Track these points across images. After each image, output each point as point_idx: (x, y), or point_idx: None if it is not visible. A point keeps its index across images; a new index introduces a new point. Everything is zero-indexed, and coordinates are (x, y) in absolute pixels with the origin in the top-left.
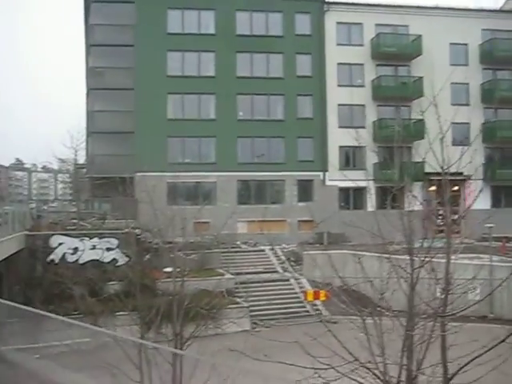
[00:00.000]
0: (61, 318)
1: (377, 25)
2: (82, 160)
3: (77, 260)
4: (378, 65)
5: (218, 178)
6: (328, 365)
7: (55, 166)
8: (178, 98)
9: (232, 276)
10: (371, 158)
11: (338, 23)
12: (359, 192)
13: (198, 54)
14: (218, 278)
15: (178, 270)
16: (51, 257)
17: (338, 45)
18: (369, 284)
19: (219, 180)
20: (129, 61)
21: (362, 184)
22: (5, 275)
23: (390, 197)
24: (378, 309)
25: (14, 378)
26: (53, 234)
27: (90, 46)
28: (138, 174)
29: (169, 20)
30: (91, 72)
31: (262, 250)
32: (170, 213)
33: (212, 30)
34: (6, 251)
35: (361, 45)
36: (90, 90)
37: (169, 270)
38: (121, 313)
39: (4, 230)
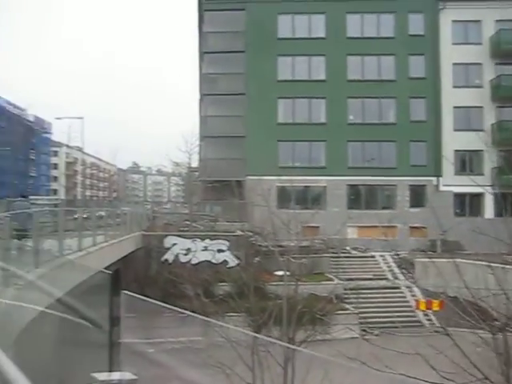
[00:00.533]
0: (193, 314)
1: (497, 21)
2: (195, 163)
3: (189, 260)
4: (497, 63)
5: (327, 182)
6: (452, 381)
7: (169, 169)
8: (288, 102)
9: (341, 281)
10: (489, 163)
11: (454, 21)
12: (476, 198)
13: (308, 58)
14: (328, 283)
15: (289, 273)
16: (165, 256)
17: (454, 44)
18: (491, 297)
19: (329, 184)
20: (240, 67)
21: (478, 190)
22: (123, 273)
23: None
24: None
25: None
26: (167, 235)
27: (203, 53)
28: (249, 177)
29: (279, 25)
30: (204, 78)
31: (372, 256)
32: (280, 216)
33: (322, 34)
34: (125, 250)
35: (479, 43)
36: (203, 96)
37: (280, 273)
38: (232, 314)
39: (123, 230)
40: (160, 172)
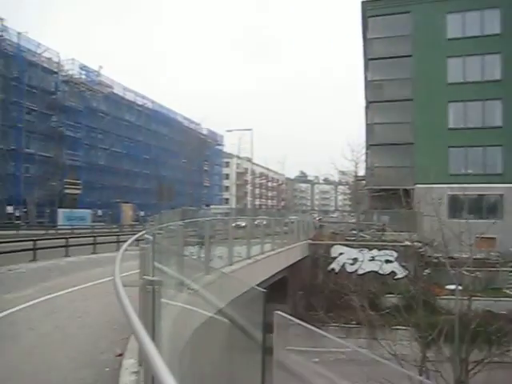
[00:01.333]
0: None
1: None
2: (361, 172)
3: (356, 270)
4: None
5: (505, 190)
6: None
7: (336, 178)
8: (459, 105)
9: None
10: None
11: None
12: None
13: (481, 58)
14: (507, 299)
15: (461, 287)
16: (332, 266)
17: None
18: None
19: (507, 192)
20: (406, 71)
21: None
22: (290, 280)
23: None
24: None
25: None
26: (333, 244)
27: (368, 59)
28: (418, 185)
29: (448, 25)
30: (370, 85)
31: None
32: (452, 227)
33: (497, 30)
34: (292, 258)
35: None
36: (369, 103)
37: (452, 287)
38: (399, 327)
39: (291, 238)
40: (327, 181)
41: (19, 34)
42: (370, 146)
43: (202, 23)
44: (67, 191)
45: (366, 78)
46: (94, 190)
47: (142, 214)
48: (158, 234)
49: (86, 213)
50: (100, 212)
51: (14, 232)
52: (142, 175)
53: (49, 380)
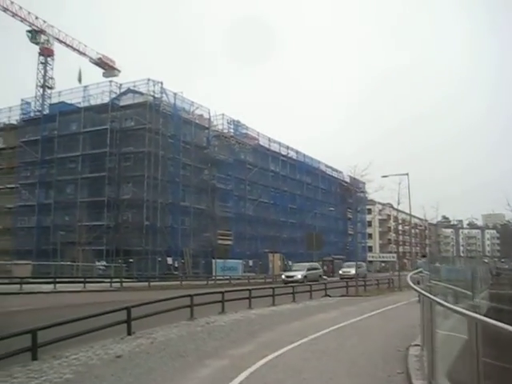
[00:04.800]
0: None
1: None
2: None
3: None
4: None
5: None
6: None
7: (480, 222)
8: None
9: None
10: None
11: None
12: None
13: None
14: None
15: None
16: None
17: None
18: None
19: None
20: None
21: None
22: None
23: None
24: None
25: None
26: None
27: None
28: None
29: None
30: None
31: None
32: None
33: None
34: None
35: None
36: None
37: None
38: None
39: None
40: (472, 225)
41: (175, 94)
42: None
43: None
44: (220, 242)
45: None
46: (244, 241)
47: (290, 263)
48: None
49: (238, 263)
50: (251, 262)
51: (178, 283)
52: (289, 224)
53: None
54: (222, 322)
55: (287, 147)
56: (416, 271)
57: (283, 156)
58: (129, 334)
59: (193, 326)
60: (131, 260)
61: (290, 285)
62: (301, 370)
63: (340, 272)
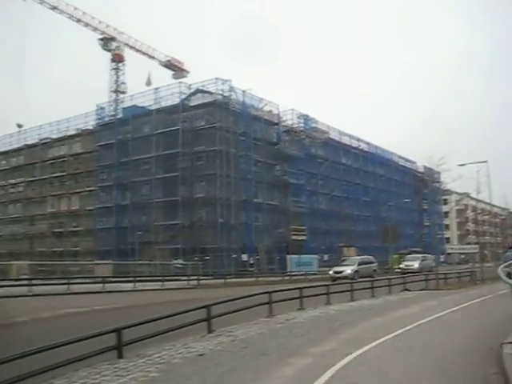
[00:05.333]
0: None
1: None
2: None
3: None
4: None
5: None
6: None
7: None
8: None
9: None
10: None
11: None
12: None
13: None
14: None
15: None
16: None
17: None
18: None
19: None
20: None
21: None
22: None
23: None
24: None
25: None
26: None
27: None
28: None
29: None
30: None
31: None
32: None
33: None
34: None
35: None
36: None
37: None
38: None
39: None
40: None
41: (244, 91)
42: None
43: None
44: (293, 237)
45: None
46: (318, 235)
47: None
48: None
49: (313, 258)
50: (326, 257)
51: (253, 279)
52: (363, 218)
53: None
54: (302, 318)
55: (358, 139)
56: (507, 263)
57: (354, 148)
58: (209, 332)
59: (272, 323)
60: (207, 257)
61: (367, 279)
62: (387, 369)
63: (401, 266)
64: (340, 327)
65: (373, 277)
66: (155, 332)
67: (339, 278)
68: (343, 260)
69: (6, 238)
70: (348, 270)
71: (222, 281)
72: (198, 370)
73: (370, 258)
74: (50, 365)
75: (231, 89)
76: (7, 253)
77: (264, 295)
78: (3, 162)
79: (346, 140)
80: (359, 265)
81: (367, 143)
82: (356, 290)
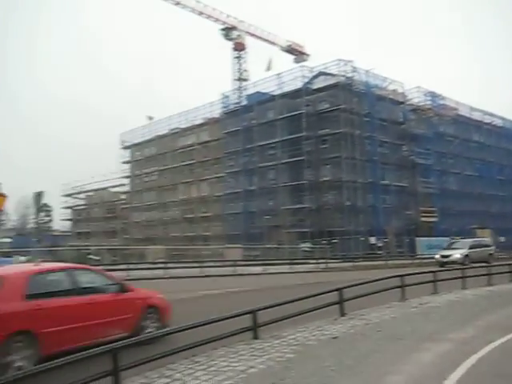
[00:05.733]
0: None
1: None
2: None
3: None
4: None
5: None
6: None
7: None
8: None
9: None
10: None
11: None
12: None
13: None
14: None
15: None
16: None
17: None
18: None
19: None
20: None
21: None
22: None
23: None
24: None
25: None
26: None
27: None
28: None
29: None
30: None
31: None
32: None
33: None
34: None
35: None
36: None
37: None
38: None
39: None
40: None
41: (367, 71)
42: None
43: None
44: (423, 219)
45: None
46: (449, 217)
47: (501, 239)
48: None
49: (444, 240)
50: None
51: (383, 263)
52: (499, 198)
53: None
54: (437, 302)
55: (491, 114)
56: None
57: (487, 124)
58: (342, 315)
59: (405, 307)
60: (335, 240)
61: (506, 263)
62: None
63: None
64: (479, 313)
65: (488, 262)
66: (289, 314)
67: (446, 262)
68: (452, 243)
69: (142, 224)
70: (457, 255)
71: (351, 264)
72: (333, 352)
73: (486, 240)
74: (191, 343)
75: (354, 69)
76: (144, 238)
77: (395, 279)
78: (137, 152)
79: (477, 116)
80: (471, 248)
81: (502, 118)
82: (493, 274)
